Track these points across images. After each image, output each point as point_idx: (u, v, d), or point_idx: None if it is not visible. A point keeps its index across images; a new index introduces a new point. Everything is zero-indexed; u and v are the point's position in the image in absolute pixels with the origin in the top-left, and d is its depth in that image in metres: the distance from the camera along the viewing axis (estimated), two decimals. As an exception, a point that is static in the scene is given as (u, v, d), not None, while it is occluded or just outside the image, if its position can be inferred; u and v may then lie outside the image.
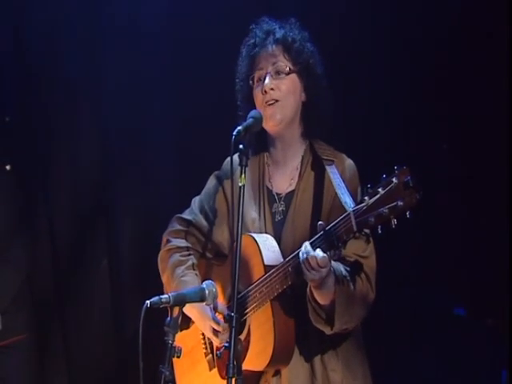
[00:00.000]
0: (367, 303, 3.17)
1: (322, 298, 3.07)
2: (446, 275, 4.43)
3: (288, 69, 3.31)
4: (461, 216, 4.42)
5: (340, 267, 3.12)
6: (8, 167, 4.65)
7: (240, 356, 2.91)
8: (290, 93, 3.30)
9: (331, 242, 2.94)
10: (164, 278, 3.49)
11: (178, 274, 3.40)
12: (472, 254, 4.40)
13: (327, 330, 3.13)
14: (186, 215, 3.53)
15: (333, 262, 3.07)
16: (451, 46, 4.42)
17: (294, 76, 3.32)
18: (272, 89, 3.29)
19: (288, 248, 3.20)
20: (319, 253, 2.96)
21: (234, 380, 2.86)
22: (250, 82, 3.36)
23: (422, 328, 4.46)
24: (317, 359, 3.22)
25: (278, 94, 3.29)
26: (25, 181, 4.79)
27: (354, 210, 2.87)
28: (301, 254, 3.01)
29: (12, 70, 4.84)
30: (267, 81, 3.29)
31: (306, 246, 3.00)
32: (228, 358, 2.86)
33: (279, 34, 3.34)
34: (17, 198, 4.72)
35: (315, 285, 3.03)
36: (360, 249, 3.14)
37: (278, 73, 3.31)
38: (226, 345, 2.90)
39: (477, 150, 4.38)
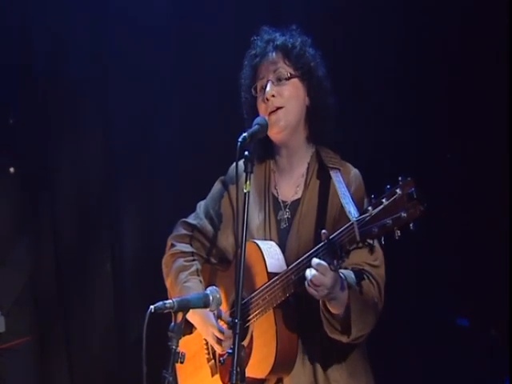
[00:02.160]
0: (377, 311, 3.16)
1: (335, 308, 3.05)
2: (449, 286, 4.42)
3: (289, 74, 3.30)
4: (464, 226, 4.41)
5: (351, 274, 3.12)
6: (12, 170, 4.66)
7: (243, 363, 2.90)
8: (292, 98, 3.30)
9: (334, 251, 2.93)
10: (168, 283, 3.50)
11: (182, 279, 3.41)
12: (475, 265, 4.38)
13: (344, 339, 3.11)
14: (191, 220, 3.54)
15: (344, 270, 3.08)
16: (455, 57, 4.42)
17: (295, 81, 3.32)
18: (273, 95, 3.29)
19: (292, 256, 3.20)
20: (314, 272, 2.94)
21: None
22: (253, 91, 3.36)
23: (425, 339, 4.44)
24: (319, 369, 3.22)
25: (281, 101, 3.29)
26: (28, 183, 4.79)
27: (357, 220, 2.86)
28: (307, 283, 2.98)
29: (16, 72, 4.84)
30: (268, 88, 3.29)
31: (310, 270, 2.97)
32: (231, 365, 2.85)
33: (279, 41, 3.34)
34: (20, 201, 4.73)
35: (327, 298, 3.02)
36: (370, 258, 3.12)
37: (279, 79, 3.31)
38: (230, 351, 2.90)
39: (479, 160, 4.38)
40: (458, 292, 4.40)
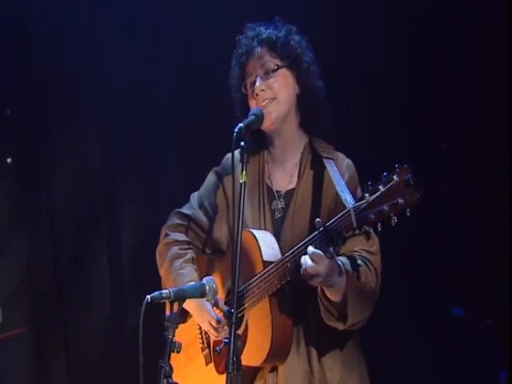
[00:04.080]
0: (375, 297, 3.18)
1: (333, 295, 3.07)
2: (445, 275, 4.42)
3: (276, 66, 3.31)
4: (460, 216, 4.42)
5: (348, 261, 3.13)
6: (9, 160, 4.65)
7: (240, 352, 2.90)
8: (281, 88, 3.31)
9: (331, 238, 2.94)
10: (162, 271, 3.50)
11: (176, 266, 3.41)
12: (471, 254, 4.39)
13: (340, 326, 3.12)
14: (185, 210, 3.55)
15: (341, 257, 3.09)
16: (451, 46, 4.42)
17: (283, 71, 3.32)
18: (263, 90, 3.29)
19: (287, 245, 3.20)
20: (309, 262, 2.96)
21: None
22: (243, 90, 3.38)
23: (420, 328, 4.45)
24: (314, 357, 3.22)
25: (270, 93, 3.30)
26: (26, 174, 4.79)
27: (354, 207, 2.87)
28: (302, 270, 3.00)
29: (14, 63, 4.84)
30: (257, 83, 3.30)
31: (305, 257, 2.99)
32: (228, 354, 2.86)
33: (264, 35, 3.35)
34: (18, 192, 4.73)
35: (324, 285, 3.04)
36: (367, 245, 3.13)
37: (266, 73, 3.32)
38: (226, 341, 2.91)
39: (477, 151, 4.38)
40: (454, 281, 4.41)
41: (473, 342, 4.39)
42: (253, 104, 3.33)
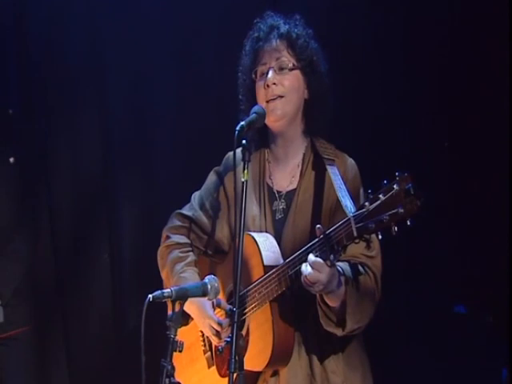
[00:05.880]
0: (375, 301, 3.16)
1: (332, 300, 3.05)
2: (446, 273, 4.42)
3: (292, 65, 3.29)
4: (461, 213, 4.42)
5: (348, 267, 3.12)
6: (11, 160, 4.65)
7: (242, 351, 2.89)
8: (293, 89, 3.28)
9: (331, 246, 2.92)
10: (163, 274, 3.48)
11: (178, 270, 3.40)
12: (472, 252, 4.39)
13: (339, 332, 3.11)
14: (186, 211, 3.52)
15: (341, 263, 3.07)
16: (452, 44, 4.41)
17: (297, 72, 3.30)
18: (275, 83, 3.27)
19: (288, 247, 3.20)
20: (310, 270, 2.94)
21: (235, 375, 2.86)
22: (253, 75, 3.34)
23: (422, 326, 4.45)
24: (316, 360, 3.21)
25: (281, 90, 3.27)
26: (26, 173, 4.79)
27: (354, 216, 2.85)
28: (302, 278, 2.98)
29: (15, 63, 4.83)
30: (270, 75, 3.27)
31: (306, 265, 2.97)
32: (230, 353, 2.84)
33: (283, 29, 3.32)
34: (19, 191, 4.72)
35: (324, 293, 3.03)
36: (367, 249, 3.08)
37: (281, 68, 3.29)
38: (228, 340, 2.89)
39: (478, 148, 4.38)
40: (455, 279, 4.41)
41: (475, 340, 4.39)
42: (260, 93, 3.29)
